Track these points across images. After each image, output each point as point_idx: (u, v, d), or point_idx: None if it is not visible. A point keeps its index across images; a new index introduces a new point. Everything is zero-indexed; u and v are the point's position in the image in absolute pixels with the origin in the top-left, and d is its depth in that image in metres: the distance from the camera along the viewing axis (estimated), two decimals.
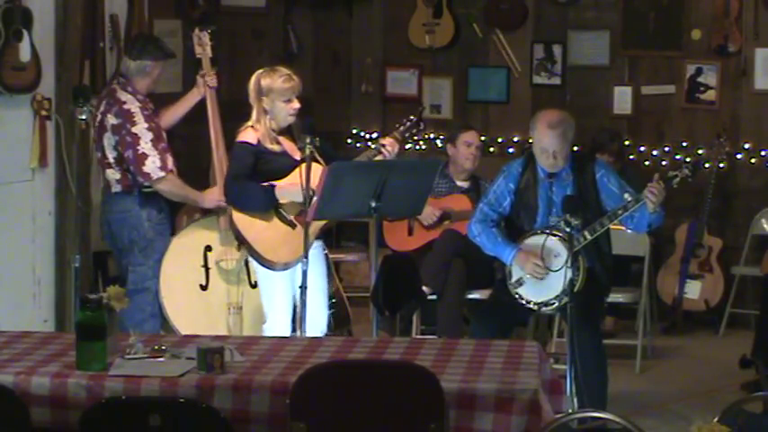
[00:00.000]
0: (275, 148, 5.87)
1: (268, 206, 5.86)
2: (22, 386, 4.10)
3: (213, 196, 6.42)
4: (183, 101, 6.66)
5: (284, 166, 5.82)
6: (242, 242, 5.97)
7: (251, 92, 5.91)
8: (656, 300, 8.22)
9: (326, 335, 6.09)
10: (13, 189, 6.61)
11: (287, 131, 5.95)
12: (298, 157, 5.78)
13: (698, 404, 6.52)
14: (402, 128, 6.49)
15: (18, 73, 6.43)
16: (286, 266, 5.81)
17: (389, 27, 9.27)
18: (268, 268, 5.90)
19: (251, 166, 5.84)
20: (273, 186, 5.81)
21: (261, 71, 5.95)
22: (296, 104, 5.89)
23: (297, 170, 5.63)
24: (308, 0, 9.21)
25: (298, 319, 5.69)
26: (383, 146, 6.14)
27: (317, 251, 5.99)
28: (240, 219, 5.90)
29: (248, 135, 5.89)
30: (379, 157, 6.13)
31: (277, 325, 5.92)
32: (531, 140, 6.15)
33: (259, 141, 5.87)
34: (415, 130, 6.61)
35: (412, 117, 6.61)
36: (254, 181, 5.84)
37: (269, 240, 5.87)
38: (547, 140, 5.92)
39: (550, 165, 5.97)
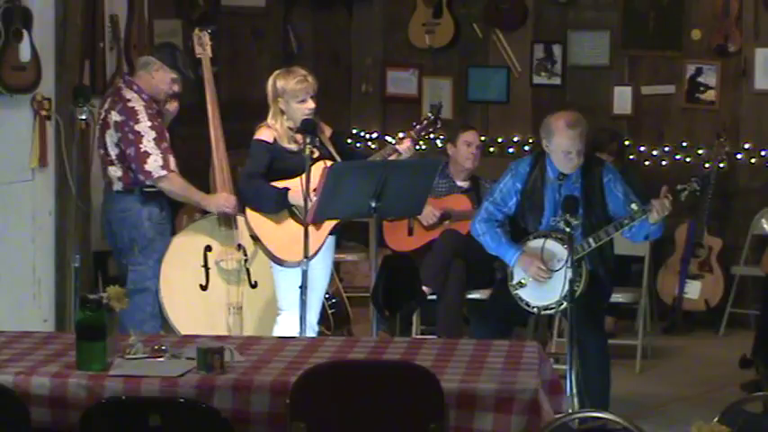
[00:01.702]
0: (292, 146, 5.92)
1: (280, 209, 5.91)
2: (22, 386, 4.09)
3: (219, 201, 6.41)
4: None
5: (300, 164, 5.83)
6: (255, 239, 6.02)
7: (268, 92, 5.97)
8: (656, 300, 8.23)
9: (318, 332, 6.14)
10: (13, 189, 6.61)
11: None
12: (315, 155, 5.78)
13: (698, 404, 6.52)
14: (419, 126, 6.46)
15: (18, 73, 6.43)
16: (298, 264, 5.82)
17: (389, 27, 9.27)
18: (279, 265, 5.93)
19: (266, 164, 5.90)
20: (287, 189, 5.84)
21: (278, 72, 6.01)
22: (311, 104, 5.93)
23: (311, 169, 5.65)
24: (308, 0, 9.21)
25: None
26: (396, 149, 6.15)
27: (328, 246, 6.04)
28: (254, 216, 5.96)
29: (265, 133, 5.94)
30: (393, 157, 6.15)
31: (291, 319, 5.93)
32: (532, 140, 6.13)
33: (275, 140, 5.91)
34: (431, 129, 6.58)
35: (429, 115, 6.58)
36: (268, 179, 5.88)
37: (281, 238, 5.92)
38: (569, 142, 5.87)
39: (573, 166, 5.93)
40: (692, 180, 5.89)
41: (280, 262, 5.95)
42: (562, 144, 5.90)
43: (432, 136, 8.77)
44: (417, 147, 8.80)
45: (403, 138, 6.28)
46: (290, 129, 5.93)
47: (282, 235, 5.92)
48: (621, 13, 8.63)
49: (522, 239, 5.99)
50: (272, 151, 5.91)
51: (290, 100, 5.91)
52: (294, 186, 5.83)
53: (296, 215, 5.91)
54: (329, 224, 5.96)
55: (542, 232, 5.94)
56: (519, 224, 6.10)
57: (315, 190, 5.60)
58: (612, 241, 6.05)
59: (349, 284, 8.19)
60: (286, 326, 5.94)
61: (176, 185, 6.33)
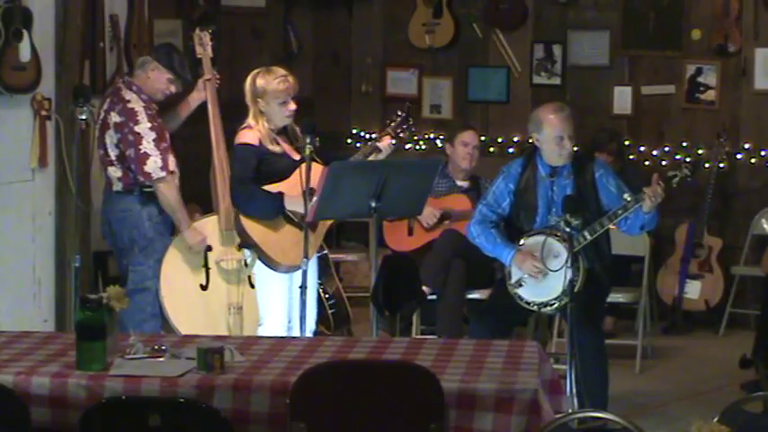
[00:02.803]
0: (276, 148, 5.88)
1: (275, 215, 5.87)
2: (22, 386, 4.10)
3: (196, 238, 6.21)
4: (185, 103, 6.65)
5: (285, 166, 5.81)
6: (249, 243, 5.98)
7: (247, 92, 5.92)
8: (656, 300, 8.23)
9: (315, 333, 6.16)
10: (13, 189, 6.61)
11: (282, 131, 5.95)
12: (296, 157, 5.77)
13: (698, 404, 6.52)
14: (393, 124, 6.53)
15: (18, 73, 6.43)
16: (290, 269, 5.80)
17: (389, 27, 9.28)
18: (273, 269, 5.91)
19: (254, 167, 5.84)
20: (282, 194, 5.81)
21: (256, 71, 5.95)
22: (292, 106, 5.88)
23: (298, 172, 5.63)
24: (308, 0, 9.21)
25: (297, 319, 5.70)
26: (377, 146, 6.17)
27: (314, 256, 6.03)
28: (248, 221, 5.91)
29: (248, 136, 5.88)
30: (373, 156, 6.16)
31: (273, 327, 5.92)
32: (531, 140, 6.14)
33: (260, 142, 5.87)
34: (405, 126, 6.61)
35: (399, 112, 6.63)
36: (257, 183, 5.84)
37: (277, 242, 5.90)
38: (559, 126, 5.91)
39: (567, 154, 5.95)
40: (682, 166, 5.90)
41: (275, 266, 5.91)
42: (553, 130, 5.93)
43: (432, 136, 8.85)
44: (417, 147, 8.92)
45: (382, 135, 6.32)
46: (272, 130, 5.90)
47: (278, 239, 5.89)
48: (621, 13, 8.63)
49: (518, 238, 6.01)
50: (257, 154, 5.85)
51: (271, 101, 5.86)
52: (288, 191, 5.80)
53: (291, 219, 5.89)
54: (322, 229, 5.93)
55: (539, 230, 5.95)
56: (514, 224, 6.11)
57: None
58: (609, 238, 6.06)
59: (349, 284, 8.18)
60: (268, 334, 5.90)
61: (171, 192, 6.23)
